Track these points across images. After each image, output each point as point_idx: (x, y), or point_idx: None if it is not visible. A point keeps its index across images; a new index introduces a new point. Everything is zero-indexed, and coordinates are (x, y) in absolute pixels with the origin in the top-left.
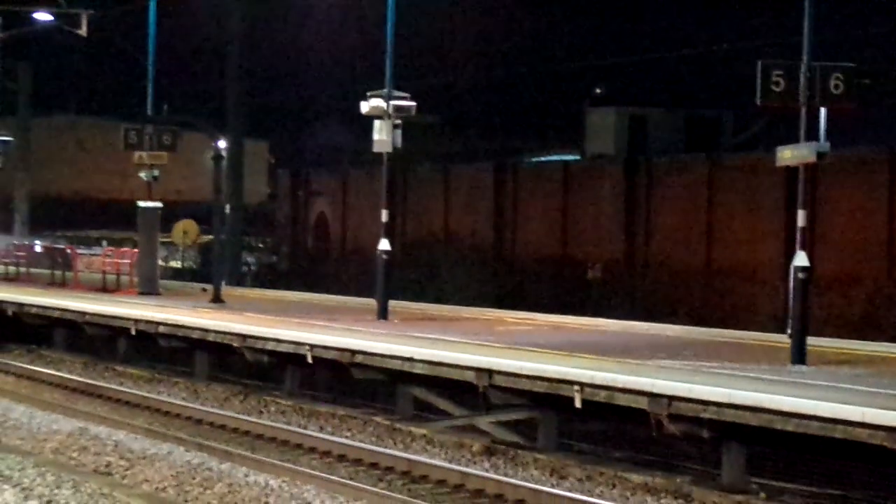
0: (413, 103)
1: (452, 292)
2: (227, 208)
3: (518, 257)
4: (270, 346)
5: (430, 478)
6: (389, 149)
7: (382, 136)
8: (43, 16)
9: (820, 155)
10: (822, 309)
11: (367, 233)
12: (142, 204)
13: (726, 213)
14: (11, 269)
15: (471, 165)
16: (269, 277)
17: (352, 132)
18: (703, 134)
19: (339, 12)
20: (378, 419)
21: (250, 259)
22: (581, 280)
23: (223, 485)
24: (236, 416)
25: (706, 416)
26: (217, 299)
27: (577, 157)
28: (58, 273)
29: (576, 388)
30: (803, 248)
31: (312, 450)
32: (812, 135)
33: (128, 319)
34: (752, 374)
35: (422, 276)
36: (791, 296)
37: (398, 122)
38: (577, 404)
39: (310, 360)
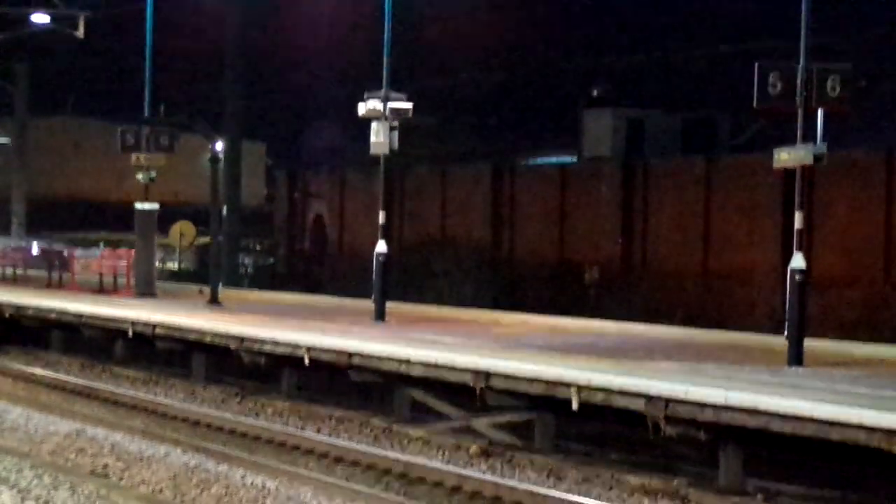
0: (410, 105)
1: (449, 294)
2: (224, 210)
3: (515, 259)
4: (267, 347)
5: (426, 479)
6: (386, 150)
7: (379, 137)
8: (40, 17)
9: (817, 157)
10: (819, 310)
11: (365, 234)
12: (139, 206)
13: (723, 215)
14: (8, 270)
15: (468, 167)
16: (266, 279)
17: (349, 134)
18: (701, 136)
19: (337, 14)
20: (375, 421)
21: (247, 261)
22: (578, 282)
23: (220, 486)
24: (233, 417)
25: (703, 418)
26: (214, 301)
27: (574, 159)
28: (55, 275)
29: (573, 389)
30: (800, 249)
31: (309, 451)
32: (809, 137)
33: (125, 321)
34: (749, 376)
35: (419, 277)
36: (788, 297)
37: (395, 123)
38: (574, 406)
39: (307, 361)
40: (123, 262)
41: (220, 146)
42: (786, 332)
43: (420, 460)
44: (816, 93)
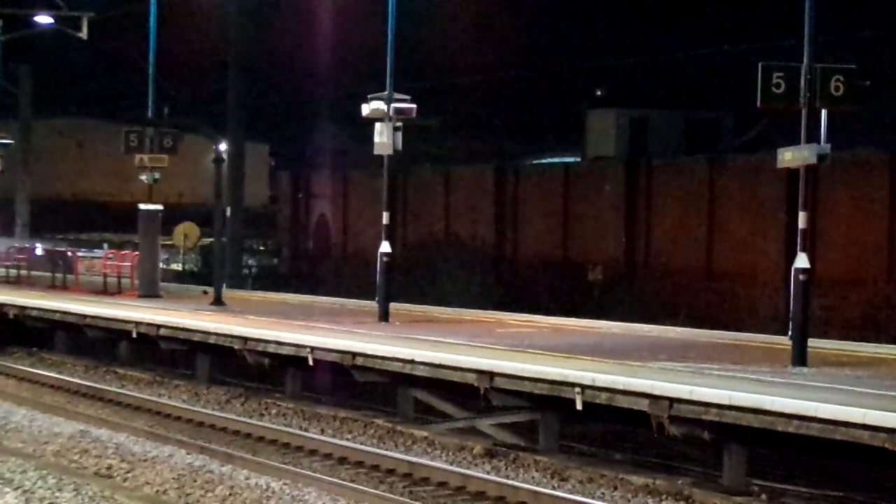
0: (414, 106)
1: (453, 294)
2: (228, 211)
3: (519, 259)
4: (271, 348)
5: (431, 480)
6: (390, 151)
7: (383, 138)
8: (44, 18)
9: (821, 157)
10: (822, 310)
11: (368, 235)
12: (143, 206)
13: (727, 215)
14: (12, 271)
15: (471, 167)
16: (269, 280)
17: (352, 135)
18: (704, 136)
19: (340, 15)
20: (379, 421)
21: (251, 261)
22: (582, 282)
23: (224, 487)
24: (237, 418)
25: (707, 417)
26: (218, 302)
27: (578, 159)
28: (59, 276)
29: (577, 390)
30: (804, 249)
31: (313, 452)
32: (813, 137)
33: (129, 322)
34: (752, 376)
35: (422, 278)
36: (792, 297)
37: (399, 124)
38: (579, 406)
39: (311, 362)
40: (127, 263)
41: (223, 147)
42: (789, 332)
43: (424, 461)
44: (820, 93)
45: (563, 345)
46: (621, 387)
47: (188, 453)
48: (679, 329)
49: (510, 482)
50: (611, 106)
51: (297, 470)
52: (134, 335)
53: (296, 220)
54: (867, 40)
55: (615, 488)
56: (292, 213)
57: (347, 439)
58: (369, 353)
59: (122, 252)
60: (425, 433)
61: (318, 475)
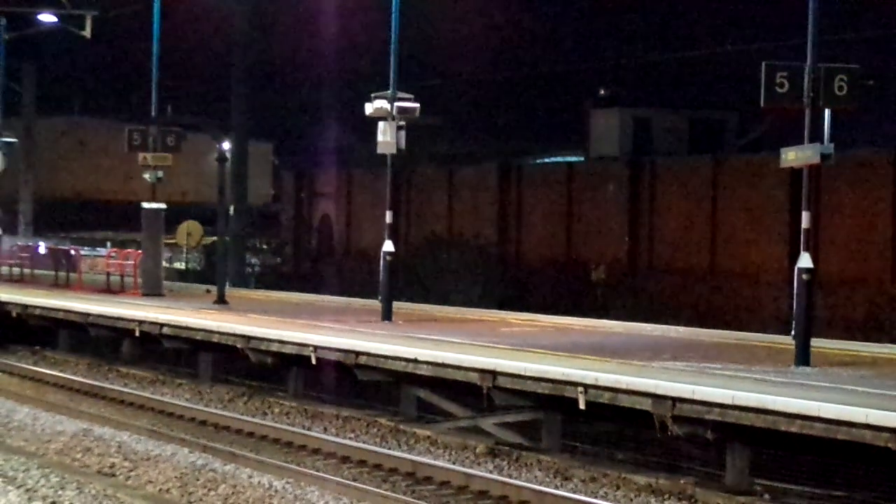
0: (417, 104)
1: (456, 294)
2: (231, 210)
3: (522, 259)
4: (274, 347)
5: (433, 479)
6: (393, 150)
7: (386, 137)
8: (47, 17)
9: (824, 156)
10: (826, 310)
11: (371, 234)
12: (146, 205)
13: (730, 215)
14: (16, 270)
15: (475, 167)
16: (272, 279)
17: (356, 133)
18: (708, 135)
19: (344, 13)
20: (382, 420)
21: (254, 260)
22: (585, 281)
23: (227, 486)
24: (240, 417)
25: (710, 417)
26: (221, 300)
27: (582, 159)
28: (62, 274)
29: (580, 389)
30: (807, 249)
31: (316, 451)
32: (816, 136)
33: (132, 321)
34: (756, 376)
35: (426, 277)
36: (795, 297)
37: (402, 123)
38: (581, 406)
39: (314, 361)
40: (130, 262)
41: (226, 146)
42: (793, 332)
43: (427, 460)
44: (824, 92)
45: (566, 344)
46: (624, 386)
47: (191, 452)
48: (682, 328)
49: (513, 481)
50: (615, 105)
51: (300, 469)
52: (137, 334)
53: (299, 219)
54: (871, 40)
55: (618, 487)
56: (295, 211)
57: (350, 438)
58: (372, 352)
59: (126, 251)
60: (428, 432)
61: (321, 474)
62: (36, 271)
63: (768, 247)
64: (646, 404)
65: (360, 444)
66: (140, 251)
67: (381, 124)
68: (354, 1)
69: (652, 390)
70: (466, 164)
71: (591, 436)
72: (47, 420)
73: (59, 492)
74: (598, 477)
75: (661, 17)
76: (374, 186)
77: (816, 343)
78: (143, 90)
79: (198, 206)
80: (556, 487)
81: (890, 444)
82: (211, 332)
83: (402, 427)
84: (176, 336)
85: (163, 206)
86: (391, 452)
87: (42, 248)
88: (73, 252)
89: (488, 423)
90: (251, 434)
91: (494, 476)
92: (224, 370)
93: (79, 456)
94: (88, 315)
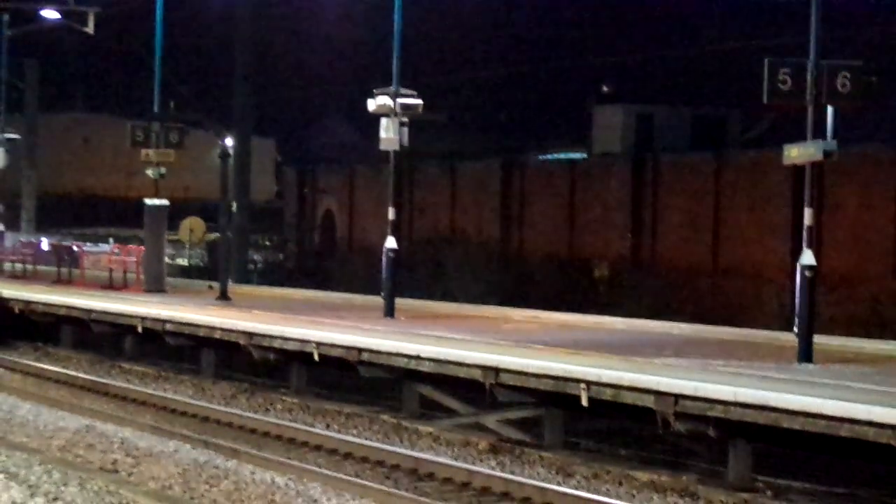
0: (420, 101)
1: (459, 290)
2: (234, 206)
3: (525, 255)
4: (277, 343)
5: (436, 476)
6: (396, 147)
7: (389, 133)
8: (50, 13)
9: (827, 153)
10: (828, 307)
11: (374, 230)
12: (148, 201)
13: (733, 211)
14: (18, 266)
15: (478, 163)
16: (275, 275)
17: (358, 130)
18: (710, 132)
19: (346, 10)
20: (384, 417)
21: (257, 257)
22: (588, 278)
23: (229, 482)
24: (243, 413)
25: (712, 414)
26: (224, 297)
27: (584, 155)
28: (64, 270)
29: (582, 386)
30: (810, 246)
31: (319, 447)
32: (819, 133)
33: (134, 317)
34: (758, 373)
35: (428, 273)
36: (797, 294)
37: (405, 119)
38: (584, 402)
39: (316, 357)
40: (133, 258)
41: (229, 142)
42: (795, 329)
43: (429, 456)
44: (826, 89)
45: (568, 341)
46: (627, 383)
47: (193, 448)
48: (685, 325)
49: (515, 478)
50: (617, 102)
51: (303, 465)
52: (139, 330)
53: (302, 216)
54: (874, 36)
55: (620, 484)
56: (298, 208)
57: (353, 435)
58: (375, 348)
59: (128, 247)
60: (430, 429)
61: (324, 470)
62: (39, 267)
63: (771, 243)
64: (648, 401)
65: (363, 441)
66: (142, 247)
67: (383, 121)
68: None
69: (654, 387)
70: (469, 161)
71: (594, 432)
72: (50, 416)
73: (62, 488)
74: (601, 473)
75: (663, 13)
76: (377, 183)
77: (819, 340)
78: (146, 86)
79: (200, 203)
80: (559, 484)
81: (892, 441)
82: (213, 328)
83: (404, 423)
84: (178, 332)
85: (165, 202)
86: (394, 449)
87: (45, 245)
88: (75, 248)
89: (491, 420)
90: (254, 430)
91: (497, 473)
92: (227, 366)
93: (81, 452)
94: (91, 311)
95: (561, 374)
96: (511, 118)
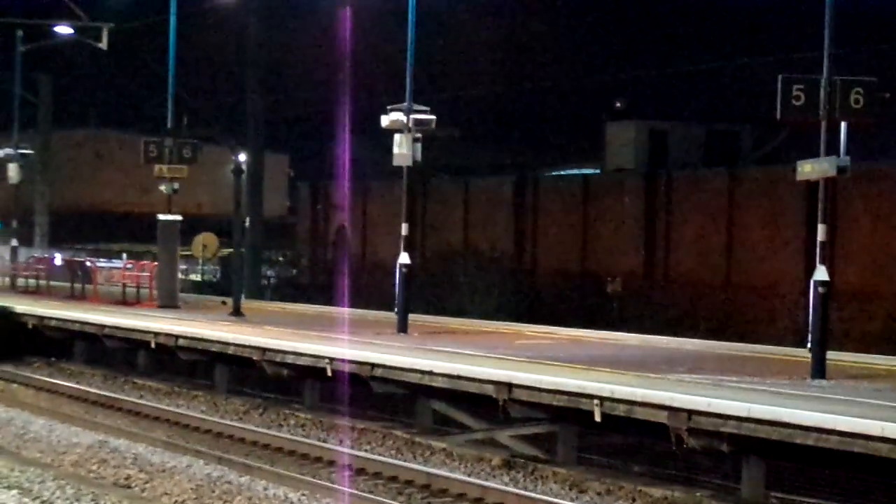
0: (433, 117)
1: (472, 306)
2: (247, 221)
3: (538, 271)
4: (290, 359)
5: (449, 491)
6: (409, 162)
7: (402, 149)
8: (64, 29)
9: (840, 169)
10: (842, 323)
11: (387, 246)
12: (162, 217)
13: (746, 227)
14: (32, 281)
15: (491, 179)
16: (288, 290)
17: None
18: (723, 148)
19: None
20: (397, 432)
21: (270, 272)
22: (601, 294)
23: (243, 498)
24: (256, 429)
25: (726, 430)
26: (237, 312)
27: (597, 171)
28: (77, 286)
29: (595, 401)
30: (823, 262)
31: (331, 463)
32: (832, 149)
33: (147, 332)
34: (771, 389)
35: (441, 289)
36: (811, 310)
37: (418, 135)
38: (597, 418)
39: (329, 373)
40: (146, 274)
41: (242, 158)
42: (808, 345)
43: (443, 472)
44: (840, 105)
45: (581, 356)
46: (640, 398)
47: (206, 464)
48: (698, 341)
49: (528, 494)
50: (631, 118)
51: (316, 481)
52: (152, 345)
53: (315, 231)
54: (887, 53)
55: (633, 500)
56: (311, 223)
57: (366, 450)
58: (388, 364)
59: (141, 262)
60: (443, 444)
61: (337, 486)
62: (52, 283)
63: (784, 259)
64: (661, 417)
65: (376, 457)
66: (156, 263)
67: (396, 136)
68: (370, 13)
69: (668, 403)
70: (482, 177)
71: (607, 448)
72: (63, 432)
73: (75, 503)
74: (614, 489)
75: (676, 29)
76: (390, 198)
77: (832, 356)
78: (159, 102)
79: (213, 218)
80: (572, 500)
81: None
82: (226, 343)
83: (417, 439)
84: (191, 348)
85: (178, 217)
86: (407, 465)
87: (58, 260)
88: (88, 264)
89: (504, 436)
90: (267, 446)
91: (510, 488)
92: (239, 382)
93: (94, 468)
94: (104, 327)
95: (574, 389)
96: (524, 134)
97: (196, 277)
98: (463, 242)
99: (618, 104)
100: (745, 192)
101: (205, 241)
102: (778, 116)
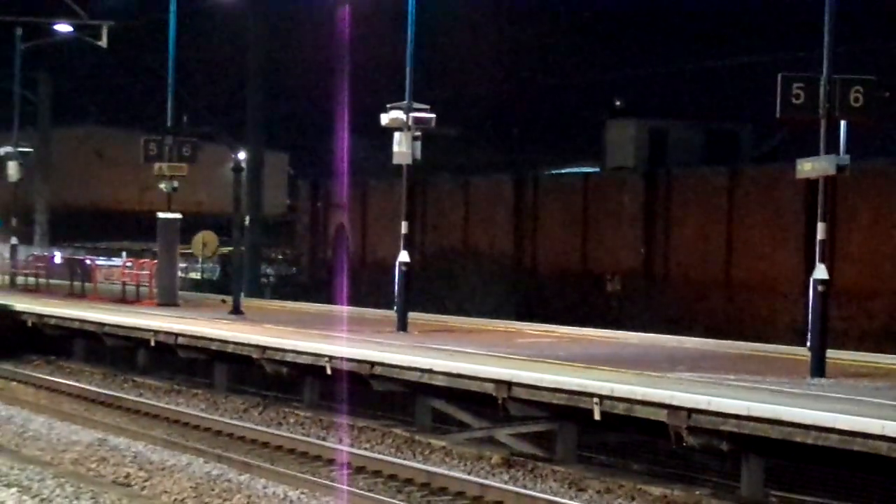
0: (433, 115)
1: (472, 304)
2: (247, 220)
3: (537, 269)
4: (289, 357)
5: (448, 490)
6: (409, 161)
7: (402, 148)
8: (63, 27)
9: (840, 168)
10: (841, 321)
11: (387, 244)
12: (161, 215)
13: (746, 226)
14: (31, 279)
15: (490, 177)
16: (288, 289)
17: (372, 144)
18: (723, 146)
19: (359, 24)
20: (397, 431)
21: (269, 270)
22: (600, 292)
23: (242, 496)
24: (255, 427)
25: (725, 428)
26: (236, 311)
27: (597, 170)
28: (77, 284)
29: (595, 400)
30: (823, 260)
31: (331, 461)
32: (832, 147)
33: (147, 330)
34: (771, 387)
35: (441, 288)
36: (811, 308)
37: (418, 134)
38: (597, 416)
39: (329, 371)
40: (146, 272)
41: (242, 156)
42: (808, 343)
43: (442, 470)
44: (839, 104)
45: (581, 355)
46: (639, 397)
47: (206, 462)
48: (697, 339)
49: (528, 492)
50: (630, 116)
51: (315, 479)
52: (152, 343)
53: (314, 229)
54: (888, 51)
55: (633, 498)
56: (311, 221)
57: (365, 448)
58: (387, 362)
59: (141, 260)
60: (443, 443)
61: (336, 484)
62: (51, 281)
63: (784, 258)
64: (661, 415)
65: (375, 455)
66: (155, 261)
67: (396, 135)
68: (370, 11)
69: (667, 401)
70: (482, 175)
71: (606, 447)
72: (62, 430)
73: (75, 501)
74: (613, 488)
75: (676, 28)
76: (390, 197)
77: (832, 354)
78: (159, 100)
79: (213, 217)
80: (572, 498)
81: None
82: (226, 342)
83: (417, 437)
84: (191, 346)
85: (178, 215)
86: (406, 463)
87: (57, 258)
88: (88, 262)
89: (503, 434)
90: (266, 444)
91: (509, 487)
92: (239, 380)
93: (94, 466)
94: (104, 325)
95: (574, 388)
96: (524, 132)
97: (196, 276)
98: (462, 241)
99: (618, 103)
100: (744, 190)
101: (204, 240)
102: (778, 115)
